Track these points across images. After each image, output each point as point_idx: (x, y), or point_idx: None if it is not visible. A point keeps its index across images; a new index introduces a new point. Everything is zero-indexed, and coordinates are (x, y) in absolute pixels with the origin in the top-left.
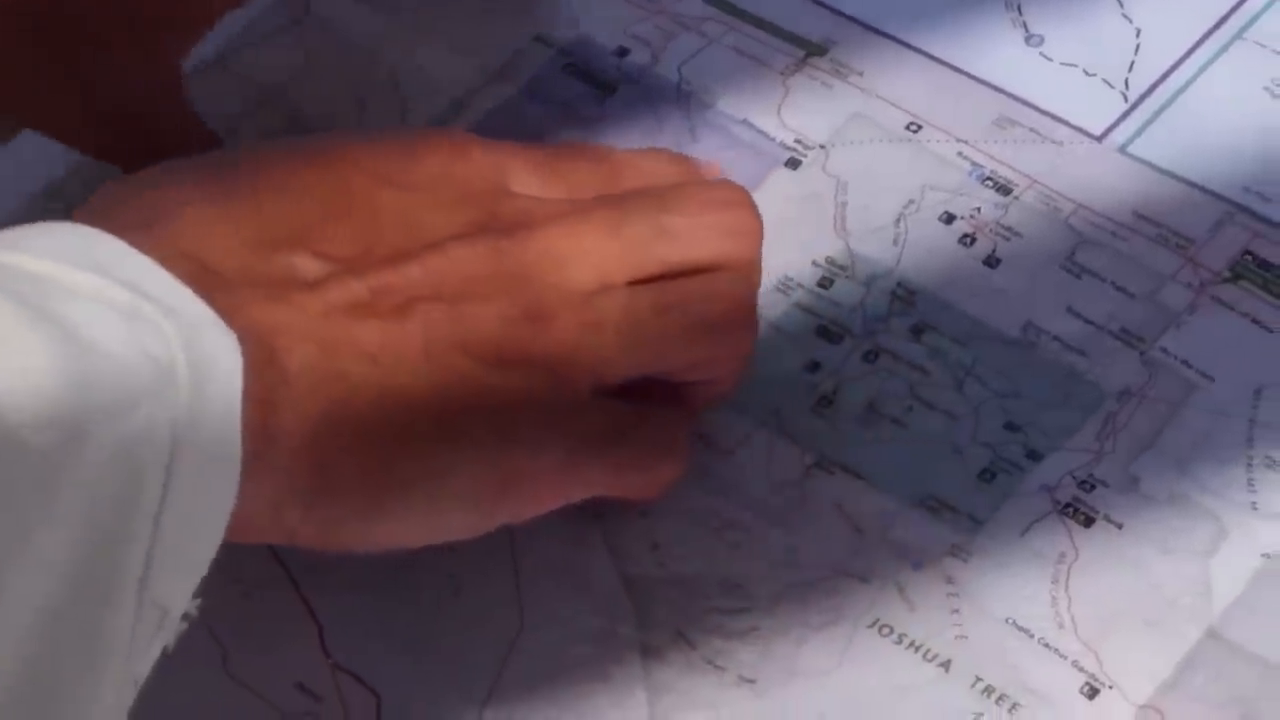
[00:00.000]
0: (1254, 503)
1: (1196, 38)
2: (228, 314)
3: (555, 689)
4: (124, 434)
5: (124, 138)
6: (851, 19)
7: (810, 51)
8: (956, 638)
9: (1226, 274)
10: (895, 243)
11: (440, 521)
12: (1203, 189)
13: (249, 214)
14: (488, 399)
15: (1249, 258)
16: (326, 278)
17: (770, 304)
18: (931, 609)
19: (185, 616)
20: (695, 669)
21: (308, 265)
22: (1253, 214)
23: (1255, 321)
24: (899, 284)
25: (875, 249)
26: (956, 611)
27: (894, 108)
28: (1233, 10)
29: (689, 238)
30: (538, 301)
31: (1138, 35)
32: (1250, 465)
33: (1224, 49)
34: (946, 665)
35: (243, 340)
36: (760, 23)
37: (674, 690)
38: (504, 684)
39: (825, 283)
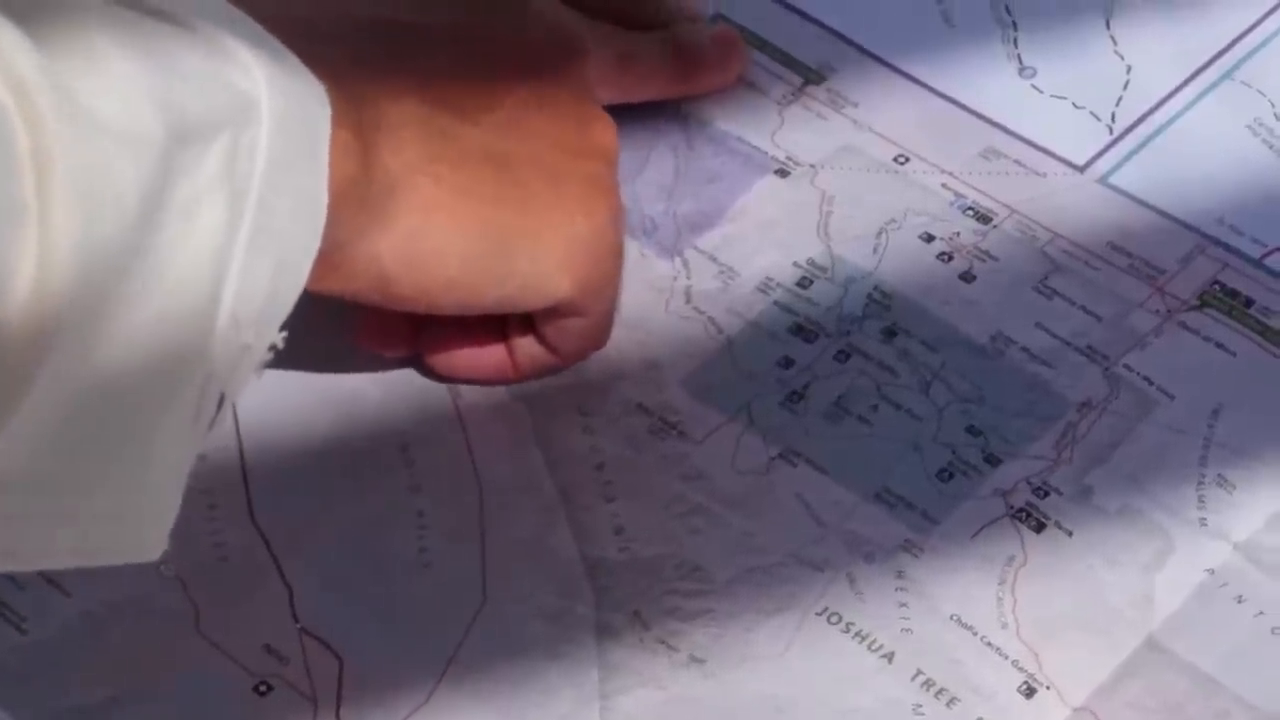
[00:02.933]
0: (1203, 519)
1: (1185, 76)
2: (324, 65)
3: (511, 663)
4: (207, 161)
5: None
6: (852, 44)
7: (809, 79)
8: (902, 630)
9: (1194, 302)
10: (875, 251)
11: (522, 282)
12: (1178, 220)
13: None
14: (572, 185)
15: (1217, 286)
16: (434, 50)
17: (750, 302)
18: (880, 601)
19: (272, 348)
20: (648, 648)
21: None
22: (1225, 246)
23: (1219, 345)
24: (876, 288)
25: (855, 254)
26: (904, 605)
27: (884, 140)
28: (1222, 52)
29: None
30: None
31: (1128, 71)
32: (1202, 483)
33: (1211, 87)
34: (890, 657)
35: (339, 83)
36: (763, 45)
37: (626, 668)
38: (462, 656)
39: (804, 283)
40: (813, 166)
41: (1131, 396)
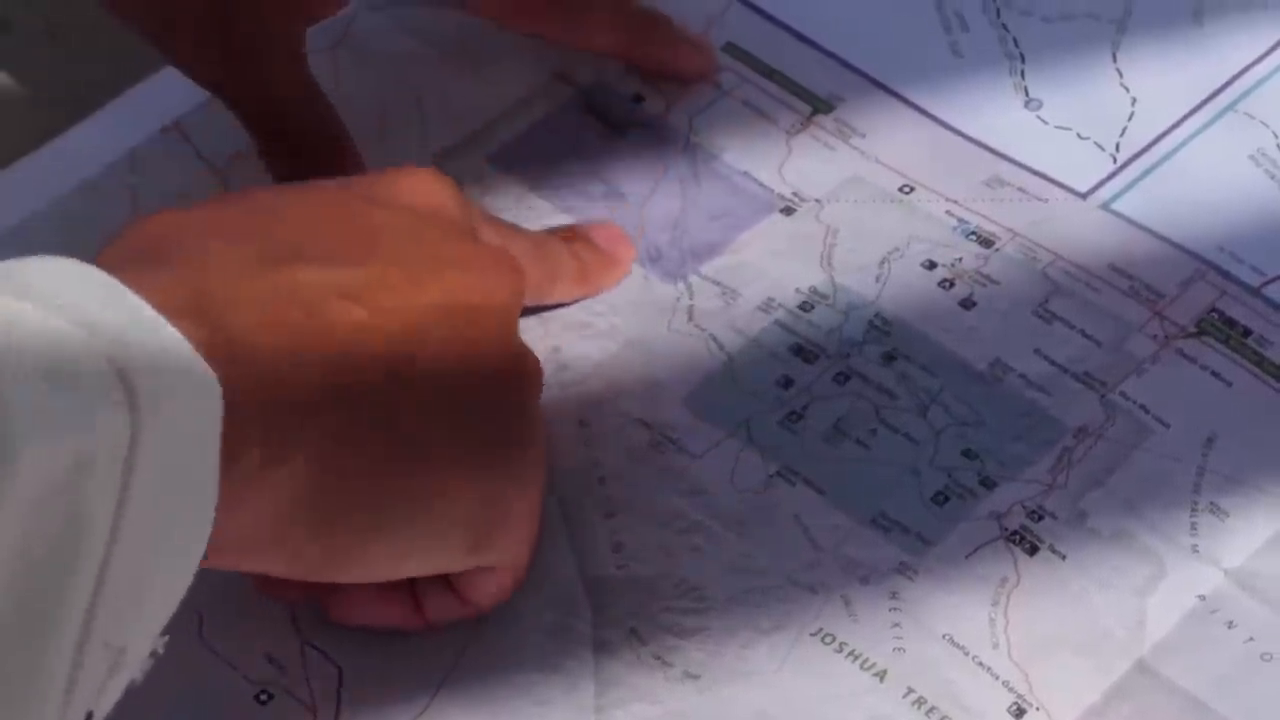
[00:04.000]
0: (1195, 545)
1: (1189, 107)
2: (223, 340)
3: (508, 676)
4: (63, 462)
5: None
6: (861, 74)
7: (817, 109)
8: (895, 650)
9: (1192, 329)
10: (877, 280)
11: (437, 545)
12: (1178, 246)
13: (249, 235)
14: (495, 433)
15: (1215, 314)
16: (328, 295)
17: (751, 320)
18: (874, 622)
19: (153, 654)
20: (644, 664)
21: (310, 280)
22: (1223, 273)
23: (1215, 374)
24: (876, 314)
25: (857, 283)
26: (897, 625)
27: (889, 170)
28: (1227, 84)
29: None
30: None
31: (1133, 103)
32: (1195, 510)
33: (1215, 118)
34: (882, 675)
35: (235, 364)
36: (772, 74)
37: (621, 683)
38: (460, 669)
39: (806, 307)
40: (818, 201)
41: (1127, 423)
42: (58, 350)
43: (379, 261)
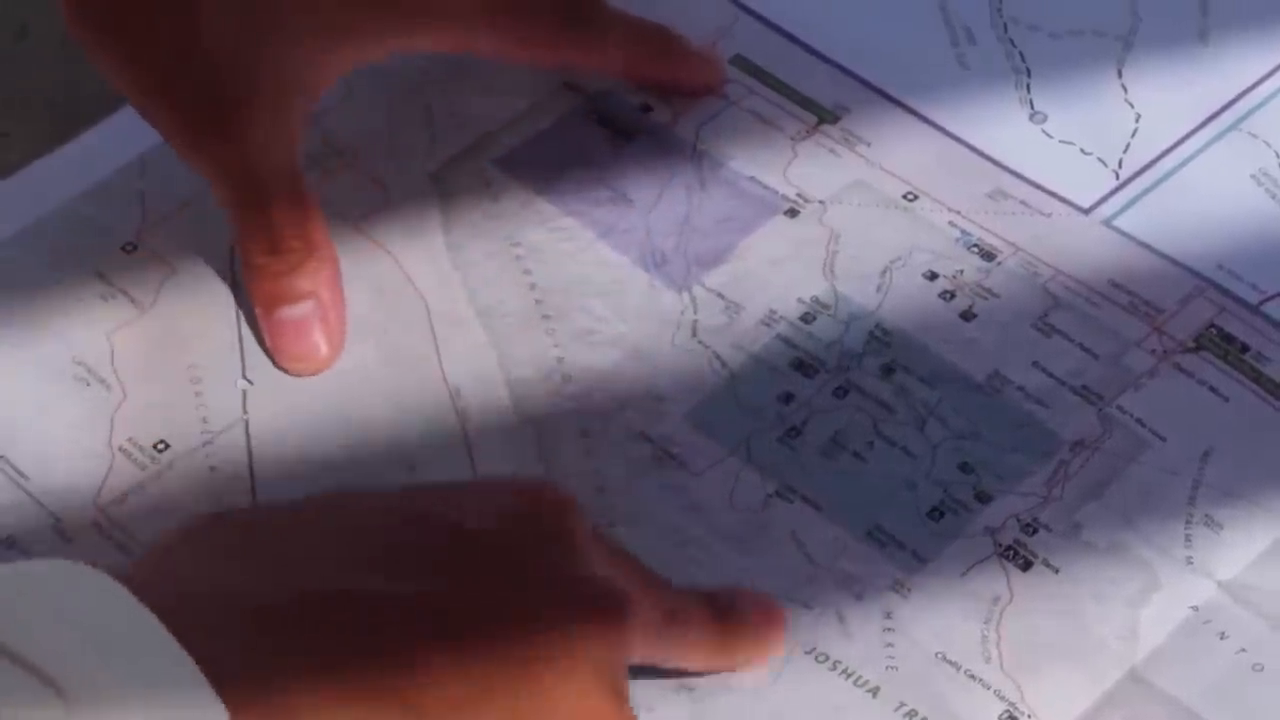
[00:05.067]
0: (1189, 558)
1: (1193, 125)
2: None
3: None
4: None
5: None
6: (868, 85)
7: (823, 118)
8: (888, 668)
9: (1190, 344)
10: (879, 290)
11: None
12: (1178, 263)
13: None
14: None
15: (1213, 330)
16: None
17: (753, 336)
18: (868, 639)
19: None
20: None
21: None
22: (1222, 290)
23: (1212, 389)
24: (877, 325)
25: (859, 293)
26: (890, 645)
27: (894, 177)
28: (1231, 103)
29: None
30: None
31: (1137, 120)
32: (1190, 522)
33: (1219, 137)
34: (875, 691)
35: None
36: (780, 86)
37: None
38: None
39: (808, 318)
40: (822, 203)
41: (1124, 437)
42: None
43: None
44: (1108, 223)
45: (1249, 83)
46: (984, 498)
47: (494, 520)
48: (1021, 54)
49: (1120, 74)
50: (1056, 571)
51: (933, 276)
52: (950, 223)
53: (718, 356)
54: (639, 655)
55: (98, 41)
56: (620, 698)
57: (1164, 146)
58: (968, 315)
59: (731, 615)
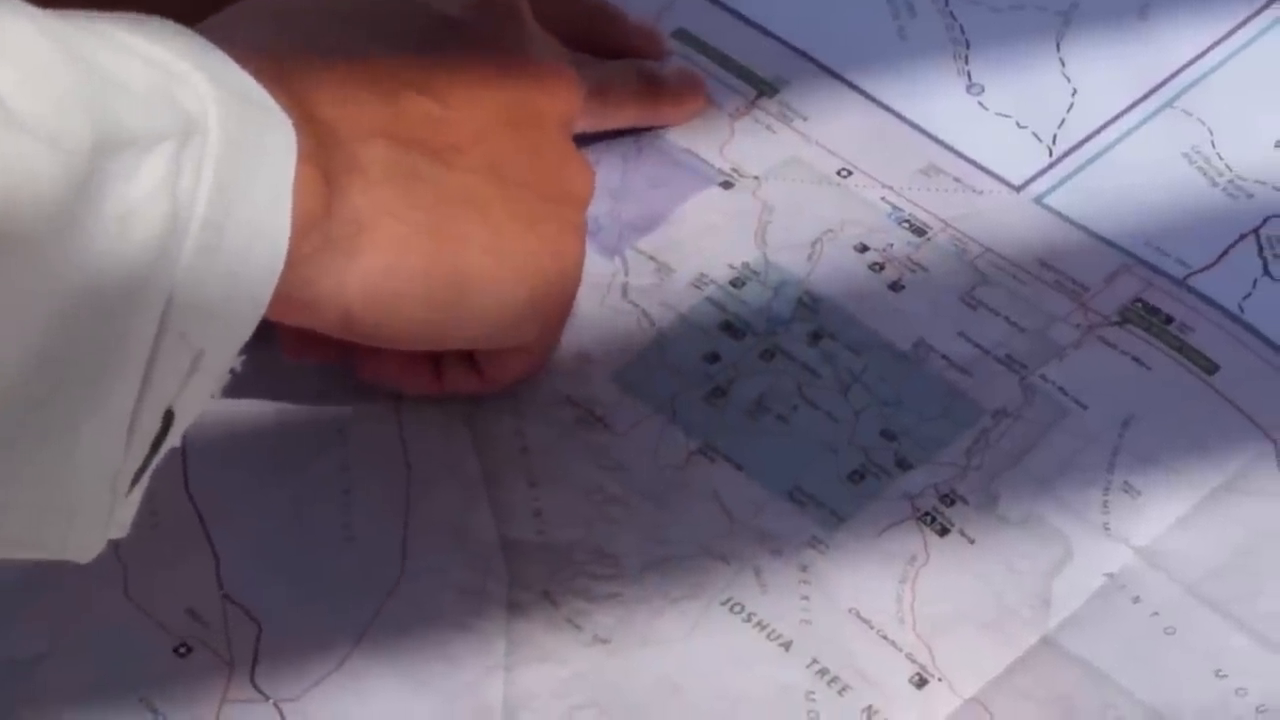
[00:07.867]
0: (1106, 524)
1: (1129, 101)
2: (296, 102)
3: (422, 634)
4: (143, 173)
5: None
6: (808, 57)
7: (762, 91)
8: (801, 621)
9: (1115, 318)
10: (809, 259)
11: (485, 327)
12: (1107, 241)
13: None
14: (543, 228)
15: (1139, 304)
16: (402, 87)
17: (683, 296)
18: (783, 593)
19: (232, 371)
20: (555, 626)
21: (385, 69)
22: (1149, 266)
23: (1135, 359)
24: (806, 292)
25: (789, 261)
26: (806, 598)
27: (829, 153)
28: (1168, 79)
29: None
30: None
31: (1073, 94)
32: (1108, 489)
33: (1154, 114)
34: (787, 645)
35: (310, 123)
36: (722, 59)
37: (531, 643)
38: (377, 626)
39: (738, 283)
40: (757, 178)
41: (1045, 405)
42: (161, 69)
43: (449, 61)
44: (1038, 200)
45: (1186, 59)
46: (904, 465)
47: (458, 9)
48: (962, 26)
49: (1059, 48)
50: (972, 542)
51: (863, 249)
52: (882, 198)
53: (646, 315)
54: (581, 121)
55: None
56: (570, 138)
57: (1099, 122)
58: (896, 287)
59: (654, 79)
